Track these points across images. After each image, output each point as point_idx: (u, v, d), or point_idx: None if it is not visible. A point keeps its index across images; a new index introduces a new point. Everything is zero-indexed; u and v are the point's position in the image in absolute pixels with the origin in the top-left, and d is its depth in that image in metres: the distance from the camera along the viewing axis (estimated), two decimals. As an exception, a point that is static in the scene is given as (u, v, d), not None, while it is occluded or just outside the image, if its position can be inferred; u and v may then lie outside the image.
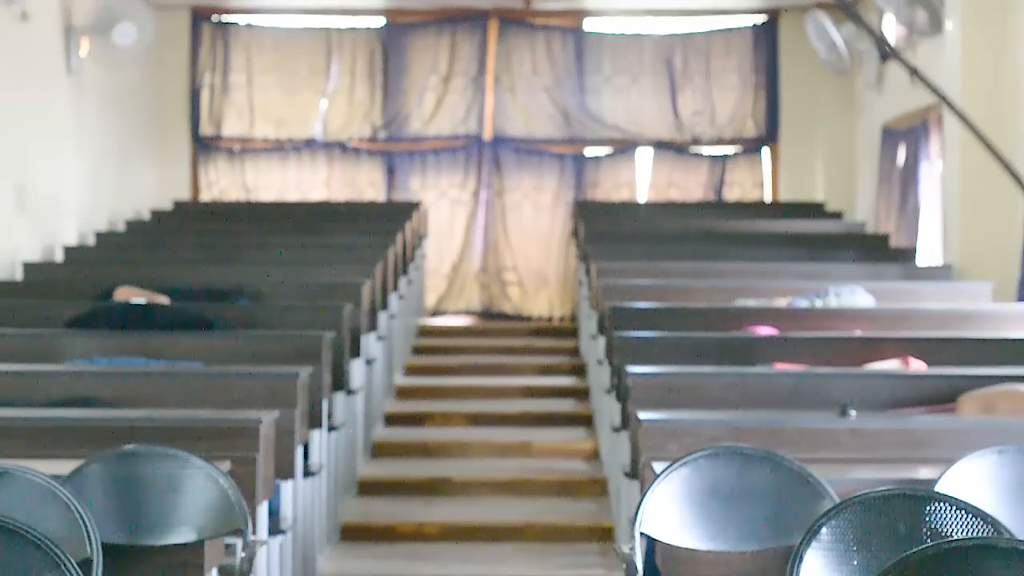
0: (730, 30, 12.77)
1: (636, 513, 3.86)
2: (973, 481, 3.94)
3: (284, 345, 6.41)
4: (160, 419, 4.84)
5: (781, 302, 7.79)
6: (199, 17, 12.63)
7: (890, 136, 10.83)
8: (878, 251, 9.97)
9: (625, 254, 9.61)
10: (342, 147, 12.76)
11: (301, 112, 12.74)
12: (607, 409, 7.39)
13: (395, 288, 9.95)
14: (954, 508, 3.37)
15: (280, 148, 12.76)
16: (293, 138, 12.73)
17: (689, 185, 12.85)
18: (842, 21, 11.06)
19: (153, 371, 6.00)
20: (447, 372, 10.38)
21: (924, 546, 2.80)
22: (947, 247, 9.44)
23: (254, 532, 4.28)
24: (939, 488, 3.83)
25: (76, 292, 8.01)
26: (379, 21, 12.81)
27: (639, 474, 4.92)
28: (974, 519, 3.34)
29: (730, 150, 12.85)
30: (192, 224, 11.42)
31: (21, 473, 3.74)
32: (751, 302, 7.73)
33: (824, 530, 3.37)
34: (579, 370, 10.27)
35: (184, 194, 12.61)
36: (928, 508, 3.39)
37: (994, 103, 8.68)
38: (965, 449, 4.13)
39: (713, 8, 12.65)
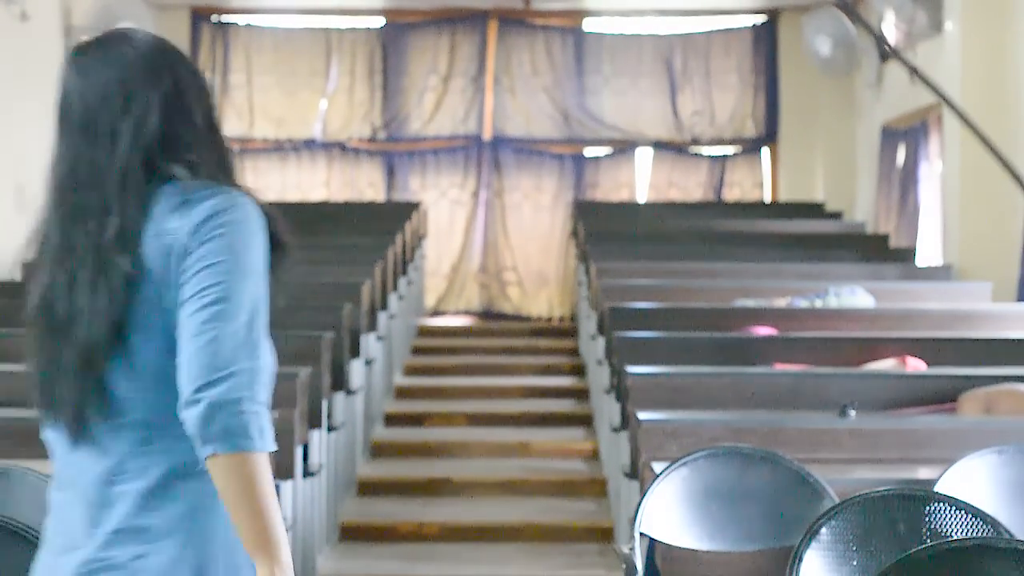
0: (730, 30, 12.77)
1: (636, 513, 3.86)
2: (973, 481, 3.94)
3: (284, 345, 6.36)
4: (160, 419, 4.83)
5: (781, 302, 7.79)
6: (199, 17, 12.63)
7: (890, 136, 10.83)
8: (878, 251, 9.97)
9: (625, 254, 9.61)
10: (342, 147, 12.76)
11: (301, 112, 12.75)
12: (607, 409, 7.39)
13: (395, 288, 9.95)
14: (954, 508, 3.37)
15: (280, 148, 12.76)
16: (293, 138, 12.74)
17: (689, 185, 12.85)
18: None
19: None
20: (447, 372, 10.38)
21: (924, 546, 2.81)
22: (947, 247, 9.44)
23: (254, 532, 4.28)
24: (939, 488, 3.83)
25: (76, 292, 8.01)
26: (379, 21, 12.81)
27: (639, 474, 4.92)
28: (974, 519, 3.34)
29: (730, 150, 12.85)
30: (192, 224, 11.40)
31: (21, 473, 3.73)
32: (751, 302, 7.73)
33: (824, 530, 3.37)
34: (579, 370, 10.27)
35: (184, 194, 12.61)
36: (928, 508, 3.39)
37: (994, 103, 8.68)
38: (965, 449, 4.13)
39: (713, 8, 12.65)
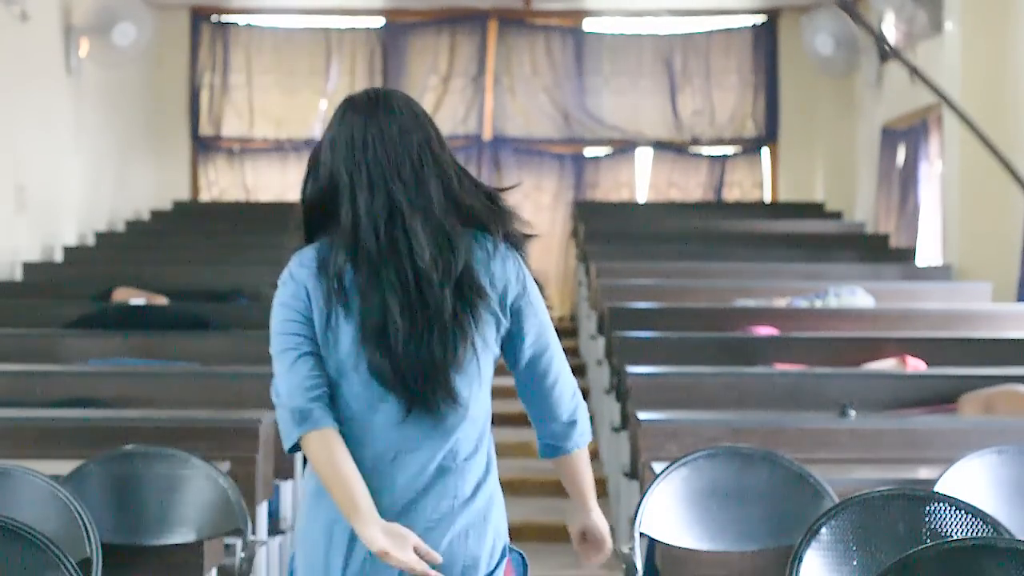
0: (730, 30, 12.77)
1: (636, 513, 3.86)
2: (973, 481, 3.94)
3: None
4: (160, 419, 4.83)
5: (781, 302, 7.79)
6: (199, 17, 12.63)
7: (890, 136, 10.82)
8: (878, 251, 9.97)
9: (625, 254, 9.60)
10: (342, 147, 12.75)
11: (300, 112, 12.74)
12: (607, 409, 7.39)
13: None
14: (954, 508, 3.37)
15: (280, 148, 12.75)
16: (293, 138, 12.73)
17: (689, 185, 12.85)
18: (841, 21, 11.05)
19: (153, 371, 5.99)
20: (447, 372, 10.35)
21: (924, 546, 2.80)
22: (947, 247, 9.43)
23: (254, 532, 4.28)
24: (939, 488, 3.83)
25: (76, 292, 8.01)
26: (379, 21, 12.81)
27: (639, 474, 4.92)
28: (974, 519, 3.34)
29: (730, 150, 12.85)
30: (192, 224, 11.41)
31: (21, 473, 3.74)
32: (751, 302, 7.73)
33: (824, 530, 3.37)
34: (579, 370, 10.26)
35: (184, 194, 12.61)
36: (928, 508, 3.39)
37: (994, 103, 8.68)
38: (965, 449, 4.13)
39: (713, 8, 12.65)
